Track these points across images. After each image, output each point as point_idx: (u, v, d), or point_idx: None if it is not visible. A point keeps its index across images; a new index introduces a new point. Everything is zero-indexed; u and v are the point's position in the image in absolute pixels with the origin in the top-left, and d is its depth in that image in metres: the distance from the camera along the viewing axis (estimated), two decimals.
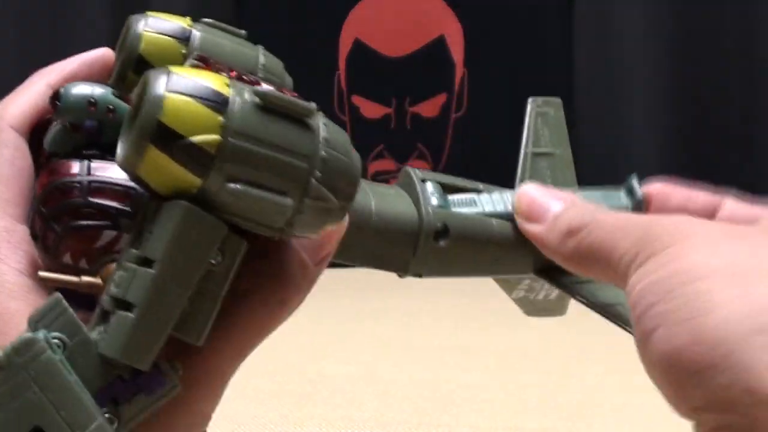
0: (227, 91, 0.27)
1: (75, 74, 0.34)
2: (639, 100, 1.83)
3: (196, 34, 0.32)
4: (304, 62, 2.02)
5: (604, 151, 1.84)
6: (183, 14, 0.34)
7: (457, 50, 2.05)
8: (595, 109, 1.82)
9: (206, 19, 0.33)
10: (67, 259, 0.30)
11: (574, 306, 0.42)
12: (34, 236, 0.30)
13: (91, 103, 0.31)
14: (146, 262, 0.26)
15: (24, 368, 0.25)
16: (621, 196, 0.39)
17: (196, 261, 0.26)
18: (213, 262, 0.27)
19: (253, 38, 0.33)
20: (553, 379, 1.18)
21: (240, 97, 0.27)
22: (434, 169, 1.86)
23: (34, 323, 0.26)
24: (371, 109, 2.05)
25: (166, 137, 0.25)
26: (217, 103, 0.26)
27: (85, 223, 0.29)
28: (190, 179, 0.26)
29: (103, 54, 0.34)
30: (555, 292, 0.42)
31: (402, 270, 0.36)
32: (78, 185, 0.29)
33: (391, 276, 0.37)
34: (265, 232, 0.28)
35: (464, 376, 1.20)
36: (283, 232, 0.28)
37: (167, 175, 0.26)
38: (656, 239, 0.29)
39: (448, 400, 1.11)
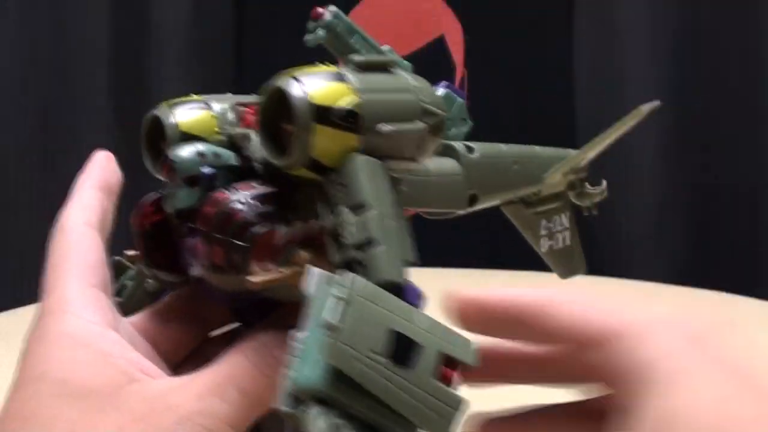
0: (335, 69, 0.34)
1: (104, 179, 0.38)
2: (640, 100, 1.83)
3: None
4: (304, 62, 2.01)
5: (605, 150, 1.83)
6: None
7: (457, 50, 2.05)
8: (595, 109, 1.81)
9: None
10: (254, 267, 0.33)
11: None
12: (215, 267, 0.34)
13: (200, 154, 0.36)
14: (360, 206, 0.31)
15: (358, 296, 0.30)
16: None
17: (389, 193, 0.32)
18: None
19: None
20: None
21: (343, 68, 0.34)
22: None
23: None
24: None
25: (323, 113, 0.32)
26: (337, 76, 0.33)
27: (261, 229, 0.33)
28: (352, 139, 0.32)
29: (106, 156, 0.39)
30: (567, 233, 0.48)
31: (462, 189, 0.42)
32: (239, 203, 0.34)
33: None
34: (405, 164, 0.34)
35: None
36: (414, 161, 0.34)
37: (336, 143, 0.32)
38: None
39: None
